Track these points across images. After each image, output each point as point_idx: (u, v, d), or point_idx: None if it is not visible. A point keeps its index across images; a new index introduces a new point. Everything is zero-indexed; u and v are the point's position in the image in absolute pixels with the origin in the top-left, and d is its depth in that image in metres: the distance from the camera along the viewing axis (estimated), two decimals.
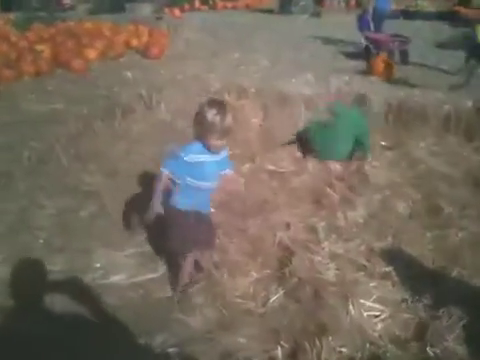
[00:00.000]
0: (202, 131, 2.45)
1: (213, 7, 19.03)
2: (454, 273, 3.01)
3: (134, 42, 9.51)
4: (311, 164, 4.48)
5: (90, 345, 2.39)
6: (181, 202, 2.64)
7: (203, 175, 2.56)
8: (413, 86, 6.58)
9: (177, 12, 16.48)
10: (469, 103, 5.37)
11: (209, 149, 2.50)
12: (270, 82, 6.53)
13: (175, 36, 10.71)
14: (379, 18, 9.15)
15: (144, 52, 8.98)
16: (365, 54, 8.50)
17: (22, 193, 3.78)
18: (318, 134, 4.61)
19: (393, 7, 11.52)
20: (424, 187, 4.07)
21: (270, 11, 17.40)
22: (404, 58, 8.37)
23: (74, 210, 3.67)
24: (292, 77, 6.92)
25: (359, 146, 4.47)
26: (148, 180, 4.12)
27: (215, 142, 2.45)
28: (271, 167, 4.48)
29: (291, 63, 8.11)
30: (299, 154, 4.77)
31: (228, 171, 2.72)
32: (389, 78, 7.42)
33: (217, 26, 13.05)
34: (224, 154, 2.65)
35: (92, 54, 8.35)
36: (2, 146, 4.07)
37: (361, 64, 8.15)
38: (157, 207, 2.53)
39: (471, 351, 2.31)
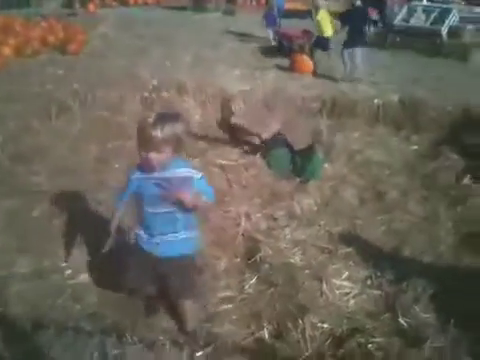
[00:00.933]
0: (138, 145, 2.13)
1: (125, 2, 18.44)
2: (406, 252, 3.29)
3: (50, 38, 9.03)
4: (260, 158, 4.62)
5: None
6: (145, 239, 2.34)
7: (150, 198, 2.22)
8: (336, 81, 7.02)
9: (92, 7, 15.86)
10: (395, 97, 5.80)
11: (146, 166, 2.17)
12: (204, 78, 6.57)
13: (92, 32, 10.31)
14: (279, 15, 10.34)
15: (62, 48, 8.61)
16: (280, 49, 9.07)
17: None
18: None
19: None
20: (366, 175, 4.38)
21: (184, 8, 17.32)
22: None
23: (26, 210, 3.48)
24: (222, 73, 7.02)
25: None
26: (95, 180, 4.06)
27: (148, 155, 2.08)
28: (222, 161, 4.55)
29: (215, 60, 8.20)
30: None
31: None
32: (314, 74, 7.80)
33: (133, 22, 12.79)
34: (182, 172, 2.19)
35: (7, 51, 7.85)
36: None
37: (281, 61, 8.46)
38: (107, 245, 2.42)
39: (439, 318, 2.54)
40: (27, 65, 7.30)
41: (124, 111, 5.76)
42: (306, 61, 8.00)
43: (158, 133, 2.03)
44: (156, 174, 2.17)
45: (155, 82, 6.24)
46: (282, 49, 9.05)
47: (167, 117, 2.10)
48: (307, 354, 2.20)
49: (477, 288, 2.81)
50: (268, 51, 9.51)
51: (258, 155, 4.64)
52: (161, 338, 2.34)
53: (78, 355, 2.20)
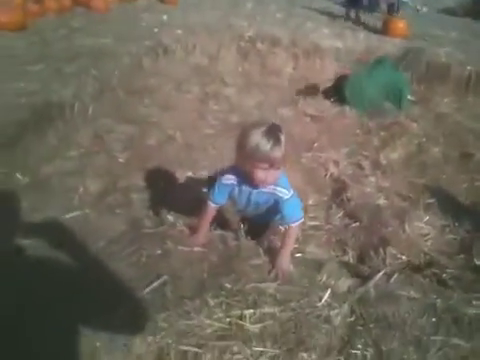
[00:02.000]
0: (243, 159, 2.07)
1: None
2: None
3: None
4: (349, 107, 4.86)
5: None
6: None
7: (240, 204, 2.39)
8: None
9: None
10: None
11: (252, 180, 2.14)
12: (296, 33, 6.78)
13: None
14: None
15: None
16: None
17: (91, 118, 4.07)
18: (352, 83, 4.97)
19: None
20: (454, 137, 4.51)
21: None
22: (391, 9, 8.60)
23: (143, 136, 3.98)
24: (313, 30, 7.17)
25: (395, 96, 4.84)
26: (197, 117, 4.51)
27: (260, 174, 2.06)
28: (312, 112, 4.83)
29: (305, 17, 8.30)
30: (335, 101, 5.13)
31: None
32: (406, 36, 7.72)
33: None
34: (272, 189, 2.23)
35: None
36: (70, 74, 4.31)
37: (373, 23, 8.41)
38: (198, 240, 2.42)
39: None
40: (128, 10, 7.80)
41: (221, 59, 6.15)
42: (399, 24, 7.92)
43: (278, 153, 1.99)
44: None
45: (251, 33, 6.54)
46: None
47: (277, 131, 2.01)
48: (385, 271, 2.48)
49: None
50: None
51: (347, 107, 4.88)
52: None
53: None
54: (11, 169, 3.24)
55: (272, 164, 2.01)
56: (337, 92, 5.16)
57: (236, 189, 2.29)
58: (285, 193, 2.23)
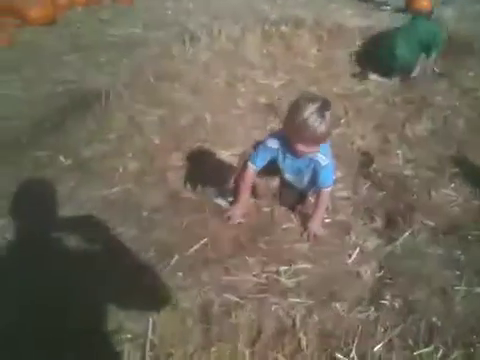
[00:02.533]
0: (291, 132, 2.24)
1: None
2: None
3: None
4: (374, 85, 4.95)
5: None
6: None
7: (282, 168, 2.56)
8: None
9: None
10: None
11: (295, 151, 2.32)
12: (319, 14, 6.82)
13: None
14: None
15: None
16: None
17: (126, 103, 4.28)
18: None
19: None
20: (477, 109, 4.54)
21: None
22: None
23: (174, 118, 4.17)
24: (336, 11, 7.19)
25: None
26: (227, 100, 4.67)
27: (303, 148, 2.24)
28: (338, 90, 4.93)
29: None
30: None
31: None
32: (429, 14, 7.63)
33: None
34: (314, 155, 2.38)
35: None
36: (104, 63, 4.53)
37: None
38: (238, 212, 2.54)
39: None
40: (153, 0, 7.89)
41: (246, 43, 6.28)
42: (423, 1, 7.83)
43: (323, 132, 2.13)
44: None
45: (274, 16, 6.63)
46: None
47: (325, 110, 2.10)
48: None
49: None
50: None
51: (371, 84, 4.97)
52: None
53: None
54: (55, 152, 3.49)
55: (316, 141, 2.17)
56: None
57: (280, 154, 2.43)
58: (323, 159, 2.36)
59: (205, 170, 3.39)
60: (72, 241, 2.44)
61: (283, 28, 6.48)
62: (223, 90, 4.91)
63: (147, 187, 3.06)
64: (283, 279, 2.10)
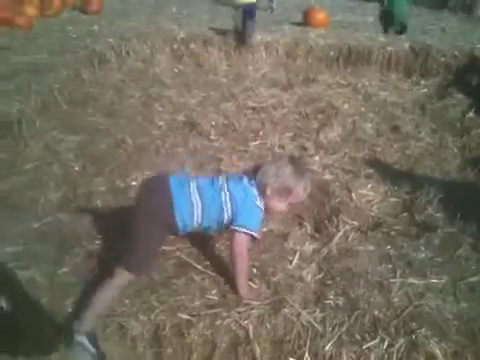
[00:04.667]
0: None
1: None
2: (419, 172, 3.88)
3: None
4: (286, 97, 5.18)
5: None
6: None
7: None
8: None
9: None
10: (407, 45, 6.28)
11: None
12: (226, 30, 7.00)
13: None
14: None
15: (83, 8, 8.90)
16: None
17: (40, 131, 4.10)
18: None
19: None
20: (382, 113, 4.94)
21: None
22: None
23: (93, 143, 4.07)
24: None
25: None
26: (144, 120, 4.64)
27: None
28: (252, 104, 5.10)
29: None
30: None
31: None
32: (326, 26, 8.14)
33: None
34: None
35: (32, 11, 8.16)
36: (11, 91, 4.31)
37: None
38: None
39: (447, 215, 3.14)
40: (51, 24, 7.60)
41: (156, 63, 6.29)
42: (319, 14, 8.34)
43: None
44: None
45: (182, 35, 6.71)
46: None
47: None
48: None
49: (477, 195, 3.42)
50: None
51: (286, 96, 5.20)
52: None
53: None
54: None
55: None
56: None
57: None
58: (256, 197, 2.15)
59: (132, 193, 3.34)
60: None
61: (192, 46, 6.58)
62: (140, 111, 4.87)
63: (76, 216, 2.95)
64: (231, 293, 2.13)
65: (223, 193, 2.09)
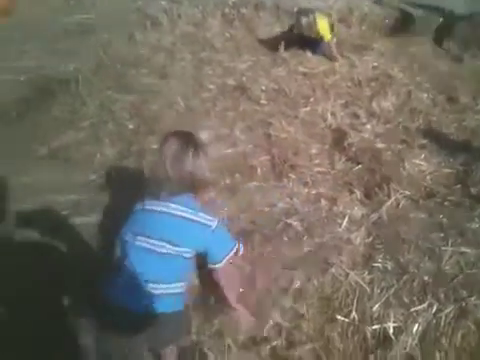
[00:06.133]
0: None
1: None
2: (475, 144, 3.74)
3: None
4: (338, 64, 5.06)
5: None
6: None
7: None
8: None
9: None
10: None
11: None
12: None
13: None
14: None
15: None
16: None
17: (96, 90, 4.21)
18: None
19: None
20: (439, 83, 4.75)
21: None
22: None
23: (146, 103, 4.14)
24: None
25: None
26: (197, 85, 4.66)
27: None
28: (303, 69, 5.01)
29: None
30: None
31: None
32: None
33: None
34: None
35: None
36: (65, 50, 4.42)
37: None
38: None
39: None
40: None
41: (208, 26, 6.26)
42: None
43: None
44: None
45: None
46: None
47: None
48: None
49: None
50: None
51: (338, 63, 5.08)
52: None
53: None
54: (27, 141, 3.41)
55: None
56: None
57: None
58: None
59: None
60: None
61: (244, 10, 6.49)
62: (191, 74, 4.89)
63: (130, 170, 3.05)
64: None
65: None
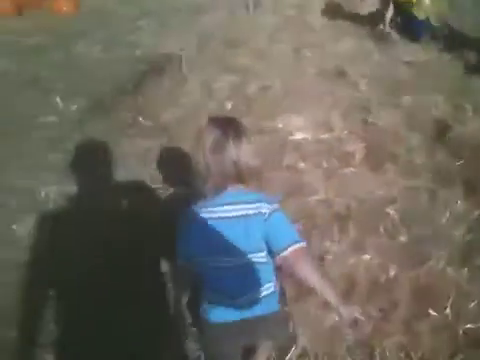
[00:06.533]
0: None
1: None
2: None
3: None
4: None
5: None
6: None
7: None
8: None
9: None
10: None
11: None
12: None
13: None
14: None
15: None
16: None
17: (198, 69, 4.37)
18: None
19: None
20: None
21: None
22: None
23: (244, 83, 4.23)
24: None
25: None
26: (295, 67, 4.66)
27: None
28: (407, 58, 4.82)
29: None
30: None
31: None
32: None
33: None
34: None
35: None
36: (174, 28, 4.61)
37: None
38: None
39: None
40: None
41: (309, 10, 6.22)
42: None
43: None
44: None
45: None
46: None
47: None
48: None
49: None
50: None
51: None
52: None
53: None
54: (136, 113, 3.65)
55: None
56: None
57: None
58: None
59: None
60: None
61: None
62: (290, 56, 4.90)
63: None
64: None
65: None
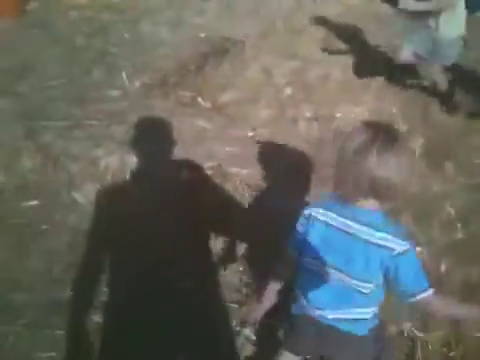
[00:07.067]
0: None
1: None
2: None
3: None
4: None
5: None
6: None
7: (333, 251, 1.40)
8: None
9: None
10: None
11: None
12: None
13: None
14: None
15: None
16: None
17: (260, 54, 4.40)
18: None
19: None
20: None
21: None
22: None
23: (304, 71, 4.22)
24: None
25: None
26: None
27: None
28: None
29: None
30: None
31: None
32: None
33: None
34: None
35: None
36: (239, 11, 4.66)
37: None
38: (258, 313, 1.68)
39: None
40: None
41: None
42: None
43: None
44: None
45: None
46: None
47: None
48: None
49: None
50: None
51: None
52: None
53: None
54: (196, 94, 3.73)
55: None
56: None
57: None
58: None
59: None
60: None
61: None
62: (352, 46, 4.83)
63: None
64: None
65: None
